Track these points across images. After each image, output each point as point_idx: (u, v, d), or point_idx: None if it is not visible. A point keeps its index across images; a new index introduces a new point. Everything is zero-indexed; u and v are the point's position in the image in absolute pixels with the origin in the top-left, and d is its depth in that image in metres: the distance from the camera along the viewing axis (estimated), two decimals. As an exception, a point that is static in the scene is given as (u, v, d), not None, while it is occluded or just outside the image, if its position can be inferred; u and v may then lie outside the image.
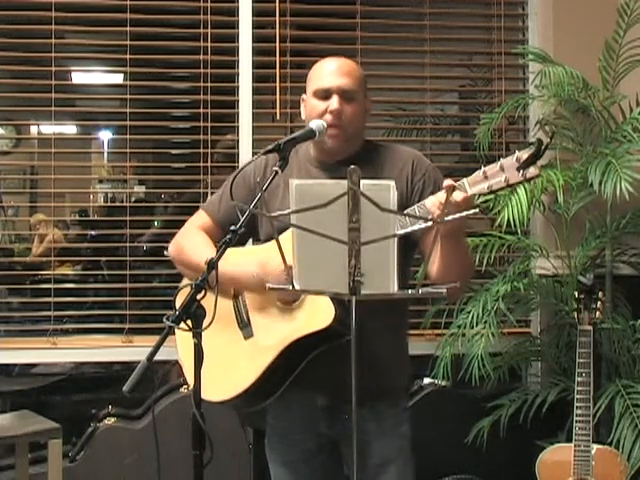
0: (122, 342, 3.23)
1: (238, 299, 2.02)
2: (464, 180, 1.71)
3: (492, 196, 2.85)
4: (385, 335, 1.99)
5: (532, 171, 1.64)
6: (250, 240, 2.25)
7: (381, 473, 2.01)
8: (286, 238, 1.59)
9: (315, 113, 1.99)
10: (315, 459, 2.07)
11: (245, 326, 1.99)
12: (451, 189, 1.62)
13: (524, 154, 1.63)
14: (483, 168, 1.70)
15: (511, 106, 3.15)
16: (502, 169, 1.66)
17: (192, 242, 2.09)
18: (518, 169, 1.64)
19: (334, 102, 1.97)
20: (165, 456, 2.30)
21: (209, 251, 1.98)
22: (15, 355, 3.30)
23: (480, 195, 1.72)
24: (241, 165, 3.20)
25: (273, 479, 2.13)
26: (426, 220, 1.67)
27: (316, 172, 2.05)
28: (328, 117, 1.97)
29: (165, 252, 2.21)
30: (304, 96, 2.09)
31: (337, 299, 1.83)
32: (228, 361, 1.98)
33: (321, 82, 2.00)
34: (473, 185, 1.71)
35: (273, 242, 1.63)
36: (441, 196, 1.71)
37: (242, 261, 1.96)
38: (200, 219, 2.15)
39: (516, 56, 3.47)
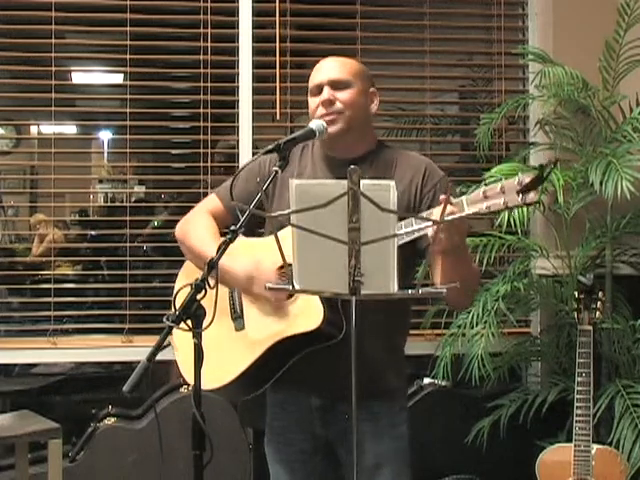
0: (122, 342, 3.23)
1: (234, 289, 2.02)
2: (463, 198, 1.70)
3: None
4: (379, 336, 1.97)
5: (532, 196, 1.63)
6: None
7: (376, 474, 2.00)
8: (285, 235, 1.59)
9: (311, 110, 2.01)
10: (311, 459, 2.07)
11: (237, 318, 2.00)
12: (446, 203, 1.61)
13: (526, 178, 1.62)
14: (484, 187, 1.68)
15: (511, 106, 3.15)
16: (502, 191, 1.65)
17: (197, 228, 2.09)
18: (518, 192, 1.63)
19: (324, 93, 1.98)
20: (165, 456, 2.30)
21: (212, 240, 1.98)
22: (15, 355, 3.30)
23: (476, 216, 1.70)
24: (242, 165, 3.20)
25: (272, 478, 2.14)
26: (426, 220, 1.68)
27: (328, 170, 2.04)
28: (321, 109, 1.98)
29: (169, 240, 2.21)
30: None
31: (328, 301, 1.83)
32: (217, 351, 1.96)
33: (313, 80, 2.03)
34: (471, 204, 1.69)
35: (272, 237, 1.63)
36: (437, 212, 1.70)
37: (238, 260, 1.95)
38: (211, 203, 2.15)
39: (516, 56, 3.47)
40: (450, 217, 1.62)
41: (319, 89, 2.00)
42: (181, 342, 1.82)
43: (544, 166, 1.57)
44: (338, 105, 1.97)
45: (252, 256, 1.96)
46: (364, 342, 1.88)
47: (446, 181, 2.03)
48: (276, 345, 1.91)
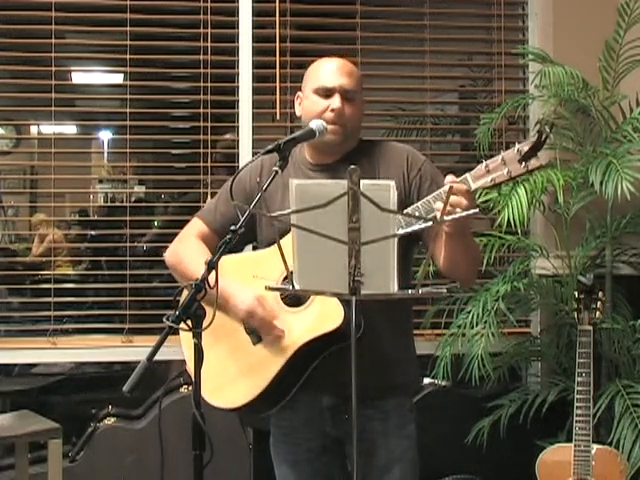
0: (122, 342, 3.23)
1: None
2: (467, 175, 1.72)
3: (492, 196, 2.85)
4: (393, 334, 2.00)
5: (534, 162, 1.65)
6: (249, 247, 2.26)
7: (385, 474, 2.01)
8: (286, 243, 1.59)
9: (316, 110, 1.99)
10: (319, 459, 2.07)
11: (253, 331, 1.97)
12: (447, 199, 1.62)
13: (525, 146, 1.64)
14: (485, 162, 1.70)
15: (511, 106, 3.15)
16: (504, 162, 1.67)
17: (191, 254, 2.06)
18: (520, 161, 1.64)
19: (336, 101, 1.98)
20: (165, 456, 2.30)
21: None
22: (15, 355, 3.29)
23: (483, 189, 1.72)
24: (240, 167, 3.20)
25: (277, 478, 2.13)
26: (426, 220, 1.68)
27: (312, 174, 2.05)
28: (329, 115, 1.97)
29: (164, 255, 2.21)
30: (300, 93, 2.09)
31: (344, 299, 1.82)
32: (238, 368, 1.97)
33: (323, 80, 2.01)
34: (476, 180, 1.71)
35: (274, 251, 1.62)
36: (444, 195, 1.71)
37: (239, 291, 1.95)
38: (196, 227, 2.14)
39: (516, 56, 3.47)
40: (451, 217, 1.62)
41: (329, 92, 1.99)
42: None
43: (541, 131, 1.59)
44: (345, 117, 1.99)
45: (252, 283, 1.96)
46: (380, 341, 1.90)
47: (429, 164, 2.06)
48: (299, 351, 1.90)
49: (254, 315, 1.92)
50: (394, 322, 1.99)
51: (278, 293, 1.95)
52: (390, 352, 2.00)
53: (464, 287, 2.95)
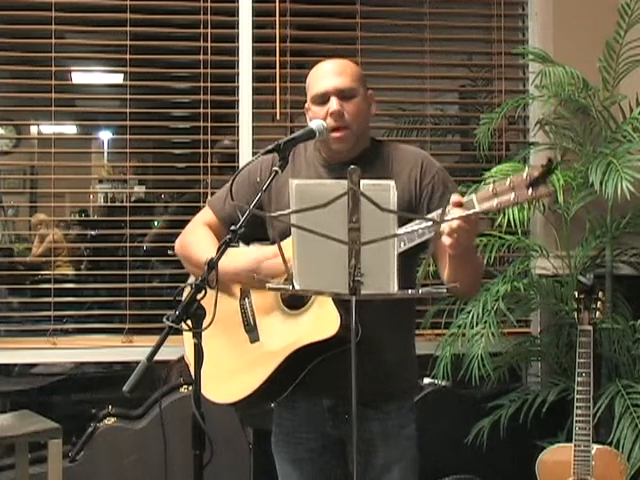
0: (122, 342, 3.23)
1: (245, 301, 2.01)
2: (472, 196, 1.69)
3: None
4: (394, 335, 1.99)
5: (542, 190, 1.63)
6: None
7: (385, 473, 2.01)
8: (288, 244, 1.59)
9: (317, 118, 1.97)
10: (320, 458, 2.07)
11: (251, 330, 1.97)
12: (457, 205, 1.62)
13: (534, 172, 1.62)
14: (492, 184, 1.68)
15: (511, 106, 3.15)
16: (512, 187, 1.64)
17: (196, 238, 2.08)
18: (528, 187, 1.63)
19: (333, 104, 1.94)
20: (165, 456, 2.30)
21: (211, 247, 1.95)
22: (15, 355, 3.30)
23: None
24: (242, 165, 3.20)
25: (280, 477, 2.13)
26: (426, 220, 1.68)
27: (324, 172, 2.03)
28: (330, 120, 1.94)
29: (169, 252, 2.21)
30: (307, 105, 2.07)
31: (343, 303, 1.82)
32: (233, 364, 1.98)
33: (317, 87, 1.98)
34: (482, 201, 1.68)
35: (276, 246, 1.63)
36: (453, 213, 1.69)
37: (240, 259, 1.96)
38: (206, 215, 2.14)
39: (516, 56, 3.47)
40: (451, 217, 1.62)
41: (324, 98, 1.95)
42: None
43: (552, 159, 1.58)
44: (347, 117, 1.95)
45: (253, 256, 1.97)
46: (380, 343, 1.90)
47: (443, 172, 2.04)
48: (293, 354, 1.90)
49: (260, 264, 1.93)
50: (396, 323, 1.99)
51: (279, 294, 1.95)
52: (390, 356, 1.98)
53: (463, 299, 2.94)
